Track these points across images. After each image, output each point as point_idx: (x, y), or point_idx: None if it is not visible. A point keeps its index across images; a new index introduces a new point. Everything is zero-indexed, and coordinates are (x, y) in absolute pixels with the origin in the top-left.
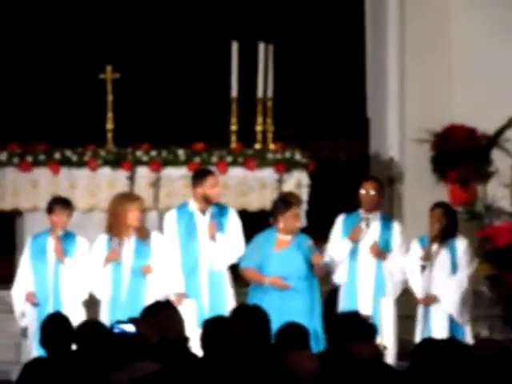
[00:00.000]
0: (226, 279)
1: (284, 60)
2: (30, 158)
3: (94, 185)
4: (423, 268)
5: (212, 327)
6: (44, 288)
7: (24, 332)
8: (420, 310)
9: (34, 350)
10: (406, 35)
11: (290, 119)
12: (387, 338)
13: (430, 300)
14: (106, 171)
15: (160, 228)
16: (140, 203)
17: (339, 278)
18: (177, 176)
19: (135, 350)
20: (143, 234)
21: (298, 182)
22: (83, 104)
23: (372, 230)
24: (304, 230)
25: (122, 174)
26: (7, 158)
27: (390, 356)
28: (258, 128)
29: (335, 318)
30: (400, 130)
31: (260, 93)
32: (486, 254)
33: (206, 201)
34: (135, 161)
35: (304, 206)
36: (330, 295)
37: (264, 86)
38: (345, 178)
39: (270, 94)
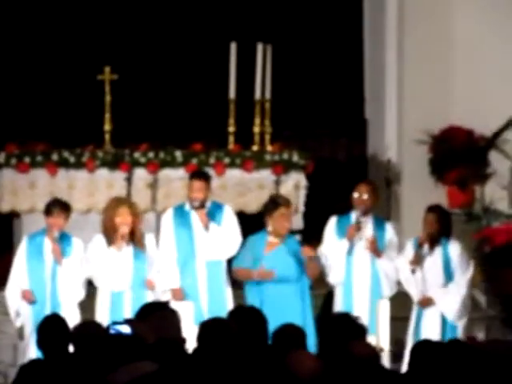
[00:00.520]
0: (224, 275)
1: (283, 61)
2: (27, 159)
3: (91, 186)
4: (413, 271)
5: (210, 328)
6: (41, 288)
7: (20, 333)
8: (414, 311)
9: (29, 350)
10: (405, 37)
11: (289, 120)
12: (384, 340)
13: (426, 302)
14: (103, 172)
15: (157, 229)
16: (129, 207)
17: (334, 278)
18: (174, 177)
19: (132, 351)
20: (137, 239)
21: (295, 183)
22: (81, 105)
23: (366, 232)
24: (301, 232)
25: (119, 176)
26: (5, 159)
27: (384, 357)
28: (256, 129)
29: (326, 318)
30: (398, 131)
31: (258, 94)
32: (483, 255)
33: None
34: (133, 162)
35: (301, 208)
36: (327, 299)
37: (262, 87)
38: (343, 179)
39: (267, 95)
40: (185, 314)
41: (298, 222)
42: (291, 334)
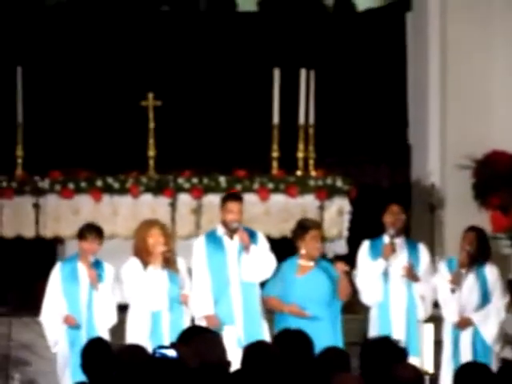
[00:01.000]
0: (258, 298)
1: (325, 86)
2: (71, 185)
3: (136, 212)
4: (453, 291)
5: (253, 351)
6: (77, 313)
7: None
8: (449, 333)
9: (65, 376)
10: (447, 61)
11: (332, 146)
12: (428, 364)
13: (465, 323)
14: (147, 198)
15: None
16: (161, 229)
17: (370, 299)
18: (218, 203)
19: (176, 375)
20: (171, 262)
21: (339, 208)
22: (125, 131)
23: (399, 254)
24: (345, 257)
25: (163, 201)
26: (49, 185)
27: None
28: (300, 155)
29: (367, 342)
30: (441, 156)
31: (301, 119)
32: None
33: (225, 226)
34: (177, 188)
35: (345, 233)
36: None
37: (305, 112)
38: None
39: (311, 120)
40: (226, 337)
41: (341, 247)
42: (335, 356)
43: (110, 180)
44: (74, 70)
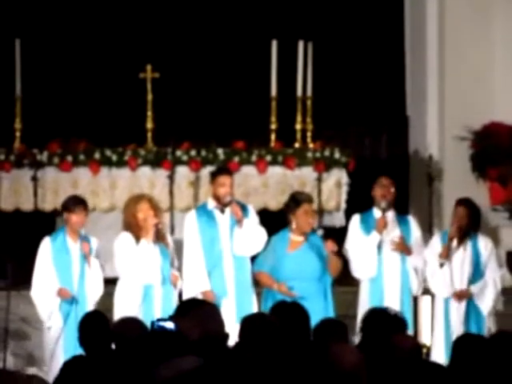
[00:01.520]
0: (250, 271)
1: (323, 58)
2: (70, 158)
3: (134, 184)
4: (441, 265)
5: (252, 323)
6: (69, 286)
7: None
8: (441, 306)
9: (58, 349)
10: (446, 32)
11: (330, 117)
12: (426, 336)
13: (463, 295)
14: (146, 171)
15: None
16: (149, 202)
17: (364, 273)
18: None
19: (176, 347)
20: (161, 235)
21: (337, 180)
22: (123, 103)
23: (390, 228)
24: (342, 230)
25: (162, 174)
26: (48, 157)
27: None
28: (298, 127)
29: (367, 313)
30: (440, 127)
31: (299, 91)
32: None
33: (217, 200)
34: (175, 160)
35: (343, 205)
36: None
37: (303, 84)
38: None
39: (309, 92)
40: (224, 309)
41: (340, 219)
42: (332, 327)
43: (108, 152)
44: (72, 42)
